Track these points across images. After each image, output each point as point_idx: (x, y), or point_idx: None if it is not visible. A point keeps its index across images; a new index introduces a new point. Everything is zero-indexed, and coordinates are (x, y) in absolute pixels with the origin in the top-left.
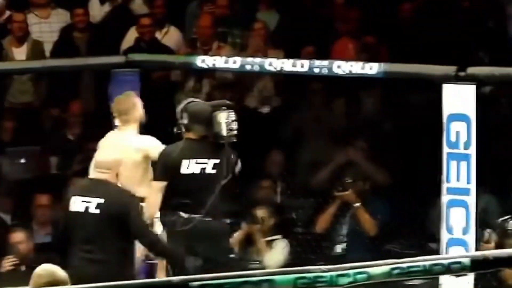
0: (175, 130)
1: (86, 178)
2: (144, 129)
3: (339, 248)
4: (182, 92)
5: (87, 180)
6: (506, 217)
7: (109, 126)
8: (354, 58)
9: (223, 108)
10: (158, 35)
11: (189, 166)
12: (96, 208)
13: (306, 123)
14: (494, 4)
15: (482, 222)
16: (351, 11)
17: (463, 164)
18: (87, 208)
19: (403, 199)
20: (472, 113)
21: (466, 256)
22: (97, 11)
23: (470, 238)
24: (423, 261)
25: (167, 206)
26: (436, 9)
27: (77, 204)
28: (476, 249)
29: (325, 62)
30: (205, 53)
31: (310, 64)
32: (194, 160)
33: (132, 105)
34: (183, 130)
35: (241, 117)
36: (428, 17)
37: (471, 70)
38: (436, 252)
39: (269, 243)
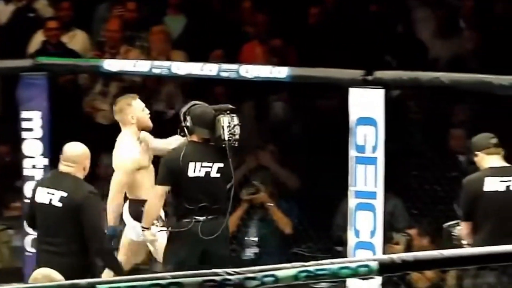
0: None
1: (54, 169)
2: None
3: (249, 252)
4: (89, 95)
5: (54, 172)
6: (452, 222)
7: (17, 129)
8: (263, 61)
9: (226, 112)
10: (65, 38)
11: (195, 169)
12: (59, 201)
13: None
14: (402, 8)
15: (390, 226)
16: (259, 15)
17: (370, 168)
18: (51, 200)
19: (311, 202)
20: (379, 117)
21: (374, 260)
22: (1, 12)
23: (377, 241)
24: (331, 264)
25: (178, 210)
26: (344, 13)
27: (42, 195)
28: (384, 252)
29: (233, 66)
30: (113, 56)
31: (218, 68)
32: (200, 163)
33: (119, 109)
34: (186, 132)
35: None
36: (336, 21)
37: (378, 74)
38: (344, 255)
39: None
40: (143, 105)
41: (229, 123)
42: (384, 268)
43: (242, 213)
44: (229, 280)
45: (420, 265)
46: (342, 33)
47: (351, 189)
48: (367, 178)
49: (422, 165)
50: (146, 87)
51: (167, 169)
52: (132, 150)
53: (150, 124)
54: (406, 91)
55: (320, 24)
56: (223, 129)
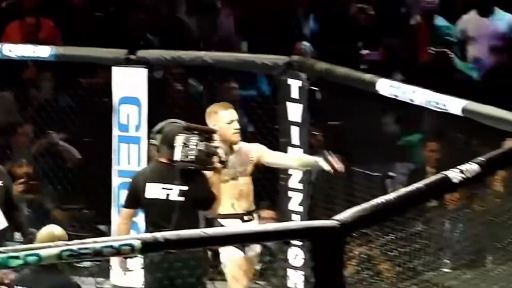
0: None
1: None
2: None
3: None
4: None
5: None
6: None
7: None
8: (26, 41)
9: (185, 131)
10: None
11: (153, 191)
12: None
13: None
14: None
15: None
16: None
17: (134, 147)
18: None
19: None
20: (143, 96)
21: (137, 238)
22: None
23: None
24: (94, 243)
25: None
26: None
27: None
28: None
29: None
30: None
31: None
32: (160, 185)
33: (207, 114)
34: (154, 151)
35: None
36: (97, 1)
37: (141, 53)
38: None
39: None
40: (232, 118)
41: (183, 143)
42: (147, 247)
43: None
44: None
45: (183, 243)
46: (106, 12)
47: (115, 168)
48: (130, 157)
49: None
50: None
51: (130, 190)
52: None
53: (233, 138)
54: (171, 70)
55: (86, 4)
56: (175, 149)
